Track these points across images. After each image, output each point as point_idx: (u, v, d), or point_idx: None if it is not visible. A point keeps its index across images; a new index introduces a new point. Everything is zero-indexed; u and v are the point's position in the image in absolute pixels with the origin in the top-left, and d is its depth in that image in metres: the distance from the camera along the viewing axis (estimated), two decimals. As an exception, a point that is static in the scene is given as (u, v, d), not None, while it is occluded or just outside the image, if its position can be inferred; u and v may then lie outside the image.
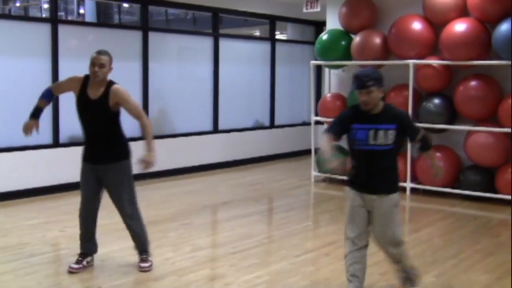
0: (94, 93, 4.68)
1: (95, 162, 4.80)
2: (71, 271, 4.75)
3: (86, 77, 4.74)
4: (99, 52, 4.71)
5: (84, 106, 4.73)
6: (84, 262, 4.86)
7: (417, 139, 4.11)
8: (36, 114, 4.89)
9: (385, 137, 3.91)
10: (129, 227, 4.92)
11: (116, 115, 4.75)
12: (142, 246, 4.94)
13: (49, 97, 4.95)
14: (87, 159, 4.86)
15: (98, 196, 4.91)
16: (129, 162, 4.85)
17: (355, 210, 4.11)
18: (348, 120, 4.02)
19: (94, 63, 4.64)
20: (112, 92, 4.65)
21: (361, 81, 3.87)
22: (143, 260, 4.91)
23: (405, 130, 4.02)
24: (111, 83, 4.71)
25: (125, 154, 4.83)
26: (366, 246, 4.15)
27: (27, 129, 4.83)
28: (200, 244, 5.68)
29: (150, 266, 4.87)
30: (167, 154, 9.29)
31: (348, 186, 4.17)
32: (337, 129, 4.04)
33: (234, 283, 4.60)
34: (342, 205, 7.92)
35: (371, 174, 4.02)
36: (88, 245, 4.94)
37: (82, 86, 4.72)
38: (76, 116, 4.82)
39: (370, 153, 3.96)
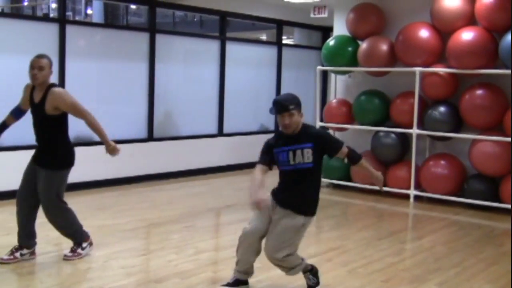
0: (37, 96, 4.81)
1: (34, 161, 4.96)
2: (1, 262, 4.85)
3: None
4: (38, 56, 4.84)
5: (31, 109, 4.90)
6: (17, 254, 4.94)
7: (337, 155, 4.28)
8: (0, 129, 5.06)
9: (302, 156, 4.17)
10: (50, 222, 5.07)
11: (56, 120, 4.82)
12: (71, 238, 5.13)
13: (18, 113, 5.07)
14: (33, 156, 5.01)
15: (33, 193, 4.97)
16: (58, 173, 4.92)
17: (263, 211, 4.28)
18: (270, 147, 4.30)
19: (33, 66, 4.75)
20: (49, 95, 4.74)
21: (283, 106, 4.15)
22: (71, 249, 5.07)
23: (323, 148, 4.24)
24: (50, 86, 4.79)
25: (58, 164, 4.90)
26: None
27: None
28: (203, 247, 5.68)
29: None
30: (171, 156, 9.31)
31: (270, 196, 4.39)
32: (265, 158, 4.33)
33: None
34: (346, 210, 7.95)
35: (290, 191, 4.29)
36: (23, 238, 5.02)
37: (31, 90, 4.87)
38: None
39: (291, 172, 4.24)
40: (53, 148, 4.88)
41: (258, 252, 4.37)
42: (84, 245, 5.12)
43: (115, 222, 6.17)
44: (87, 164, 8.20)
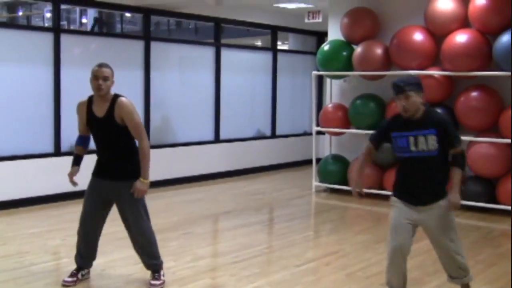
0: (100, 110, 4.52)
1: (105, 178, 4.62)
2: (65, 285, 4.64)
3: (90, 98, 4.61)
4: (101, 65, 4.52)
5: (93, 125, 4.59)
6: (79, 275, 4.75)
7: (451, 150, 3.91)
8: (75, 162, 4.81)
9: (426, 143, 3.85)
10: (137, 242, 4.72)
11: (124, 130, 4.51)
12: (150, 262, 4.75)
13: (84, 141, 4.77)
14: (97, 174, 4.69)
15: (101, 213, 4.73)
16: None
17: (399, 221, 4.03)
18: (387, 129, 4.05)
19: (97, 76, 4.45)
20: (116, 106, 4.45)
21: (398, 87, 3.88)
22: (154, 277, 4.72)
23: (447, 136, 3.88)
24: (116, 96, 4.51)
25: (139, 172, 4.53)
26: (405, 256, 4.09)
27: (70, 178, 4.81)
28: (201, 253, 5.68)
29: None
30: (168, 163, 9.31)
31: (394, 196, 4.11)
32: (377, 138, 4.12)
33: (235, 292, 4.60)
34: (344, 215, 7.95)
35: (415, 182, 3.98)
36: (87, 261, 4.81)
37: (88, 106, 4.58)
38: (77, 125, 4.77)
39: (413, 160, 3.91)
40: (130, 158, 4.57)
41: (404, 276, 4.07)
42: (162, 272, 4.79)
43: (112, 230, 6.13)
44: (83, 173, 8.20)
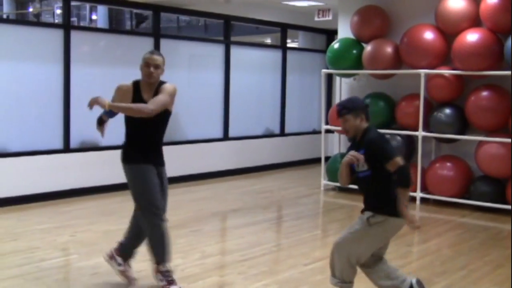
0: (149, 96, 4.46)
1: (155, 163, 4.58)
2: None
3: (135, 83, 4.54)
4: (153, 53, 4.52)
5: None
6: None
7: (386, 167, 3.80)
8: (99, 122, 4.66)
9: (361, 164, 3.89)
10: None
11: (169, 115, 4.61)
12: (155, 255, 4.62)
13: (111, 114, 4.62)
14: (148, 161, 4.54)
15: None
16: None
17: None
18: (347, 149, 4.10)
19: (148, 63, 4.41)
20: (164, 89, 4.48)
21: (337, 111, 4.05)
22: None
23: (375, 155, 3.85)
24: (161, 83, 4.51)
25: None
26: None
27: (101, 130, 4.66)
28: (209, 251, 5.69)
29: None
30: (177, 161, 9.31)
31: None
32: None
33: (243, 291, 4.60)
34: (351, 214, 7.93)
35: (364, 198, 4.08)
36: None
37: (135, 92, 4.49)
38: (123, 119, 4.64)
39: (358, 180, 4.00)
40: (161, 145, 4.65)
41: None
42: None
43: (121, 228, 6.15)
44: (92, 169, 8.25)
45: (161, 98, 4.43)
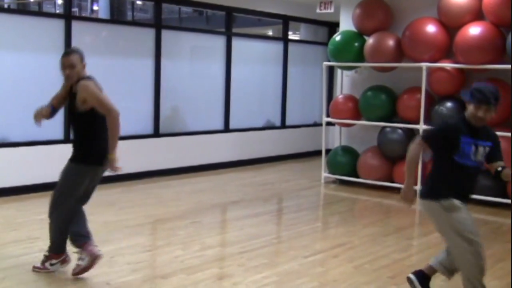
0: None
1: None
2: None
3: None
4: (66, 53, 4.53)
5: (68, 104, 4.66)
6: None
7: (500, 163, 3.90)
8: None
9: (483, 153, 3.81)
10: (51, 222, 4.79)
11: (86, 115, 4.47)
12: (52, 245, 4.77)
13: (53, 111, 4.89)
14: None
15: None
16: (79, 168, 4.61)
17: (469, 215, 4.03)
18: (455, 130, 3.81)
19: (63, 65, 4.45)
20: (78, 88, 4.42)
21: (486, 97, 3.73)
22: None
23: (498, 149, 3.90)
24: (80, 79, 4.47)
25: (81, 158, 4.58)
26: None
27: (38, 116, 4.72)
28: (209, 243, 5.68)
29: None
30: (177, 152, 9.32)
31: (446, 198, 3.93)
32: (435, 139, 3.94)
33: (242, 282, 4.60)
34: (352, 207, 7.93)
35: (467, 188, 3.98)
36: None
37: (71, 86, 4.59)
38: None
39: (470, 168, 3.83)
40: (83, 142, 4.61)
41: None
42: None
43: (121, 218, 6.16)
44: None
45: (100, 98, 4.45)
